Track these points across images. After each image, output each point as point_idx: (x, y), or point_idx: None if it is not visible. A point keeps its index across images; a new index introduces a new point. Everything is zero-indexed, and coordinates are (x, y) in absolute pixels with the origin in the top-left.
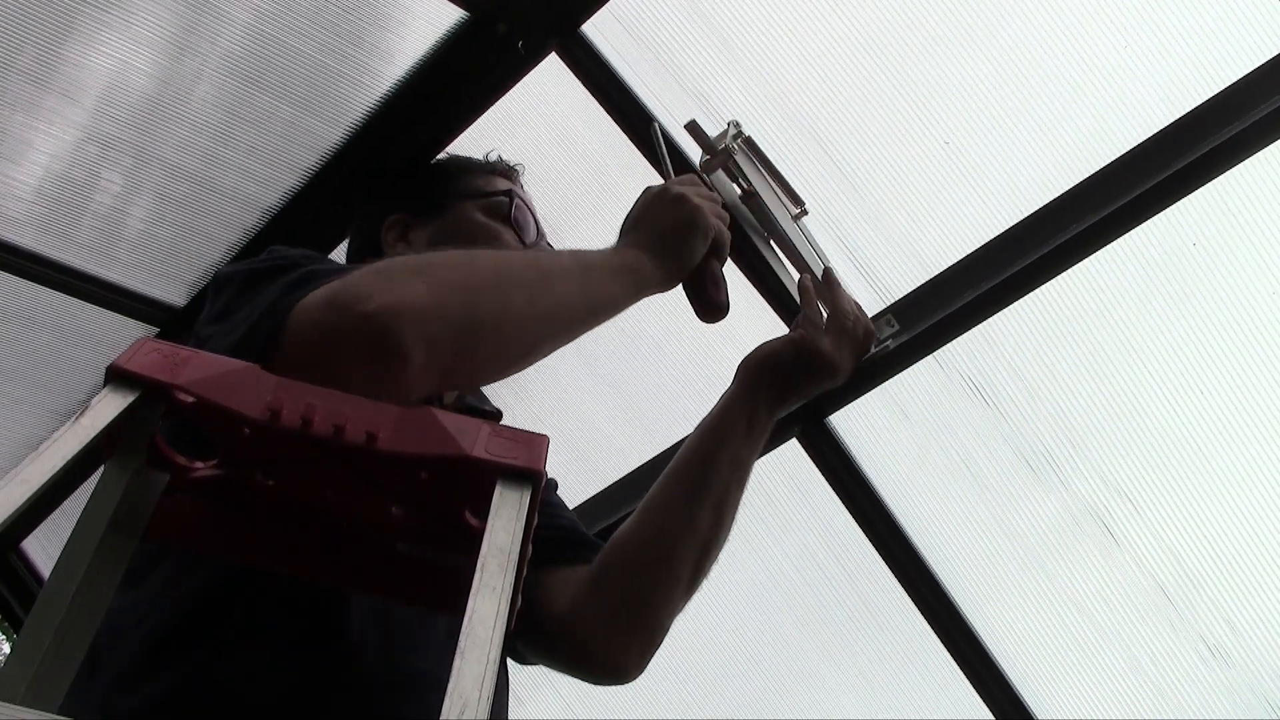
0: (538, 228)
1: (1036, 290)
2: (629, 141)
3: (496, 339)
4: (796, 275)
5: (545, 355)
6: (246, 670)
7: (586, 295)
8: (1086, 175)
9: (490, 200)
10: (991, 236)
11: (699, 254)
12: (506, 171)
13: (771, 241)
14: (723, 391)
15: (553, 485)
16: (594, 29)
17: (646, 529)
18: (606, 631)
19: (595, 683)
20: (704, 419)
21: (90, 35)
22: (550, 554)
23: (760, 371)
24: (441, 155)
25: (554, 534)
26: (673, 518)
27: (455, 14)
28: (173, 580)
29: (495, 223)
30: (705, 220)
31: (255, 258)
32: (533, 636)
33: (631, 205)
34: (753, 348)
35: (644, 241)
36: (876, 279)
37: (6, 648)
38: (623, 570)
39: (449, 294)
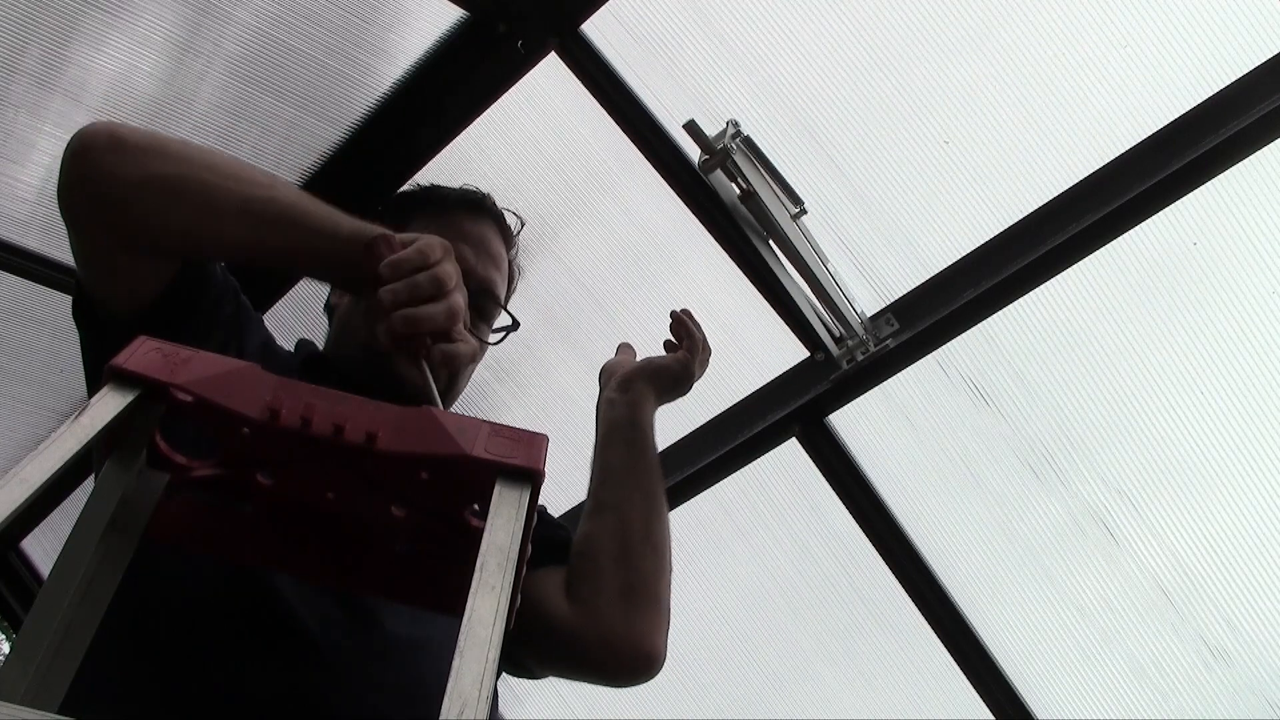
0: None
1: (1036, 290)
2: (628, 140)
3: (177, 166)
4: (796, 275)
5: (239, 226)
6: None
7: (277, 189)
8: (1086, 174)
9: None
10: (991, 236)
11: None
12: (473, 207)
13: (770, 241)
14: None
15: None
16: (593, 28)
17: (621, 524)
18: (627, 616)
19: (623, 682)
20: (621, 421)
21: (94, 37)
22: (557, 555)
23: (655, 381)
24: (409, 186)
25: (554, 535)
26: (637, 506)
27: (455, 13)
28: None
29: None
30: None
31: None
32: (546, 646)
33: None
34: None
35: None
36: (876, 278)
37: (6, 647)
38: (615, 557)
39: (156, 132)
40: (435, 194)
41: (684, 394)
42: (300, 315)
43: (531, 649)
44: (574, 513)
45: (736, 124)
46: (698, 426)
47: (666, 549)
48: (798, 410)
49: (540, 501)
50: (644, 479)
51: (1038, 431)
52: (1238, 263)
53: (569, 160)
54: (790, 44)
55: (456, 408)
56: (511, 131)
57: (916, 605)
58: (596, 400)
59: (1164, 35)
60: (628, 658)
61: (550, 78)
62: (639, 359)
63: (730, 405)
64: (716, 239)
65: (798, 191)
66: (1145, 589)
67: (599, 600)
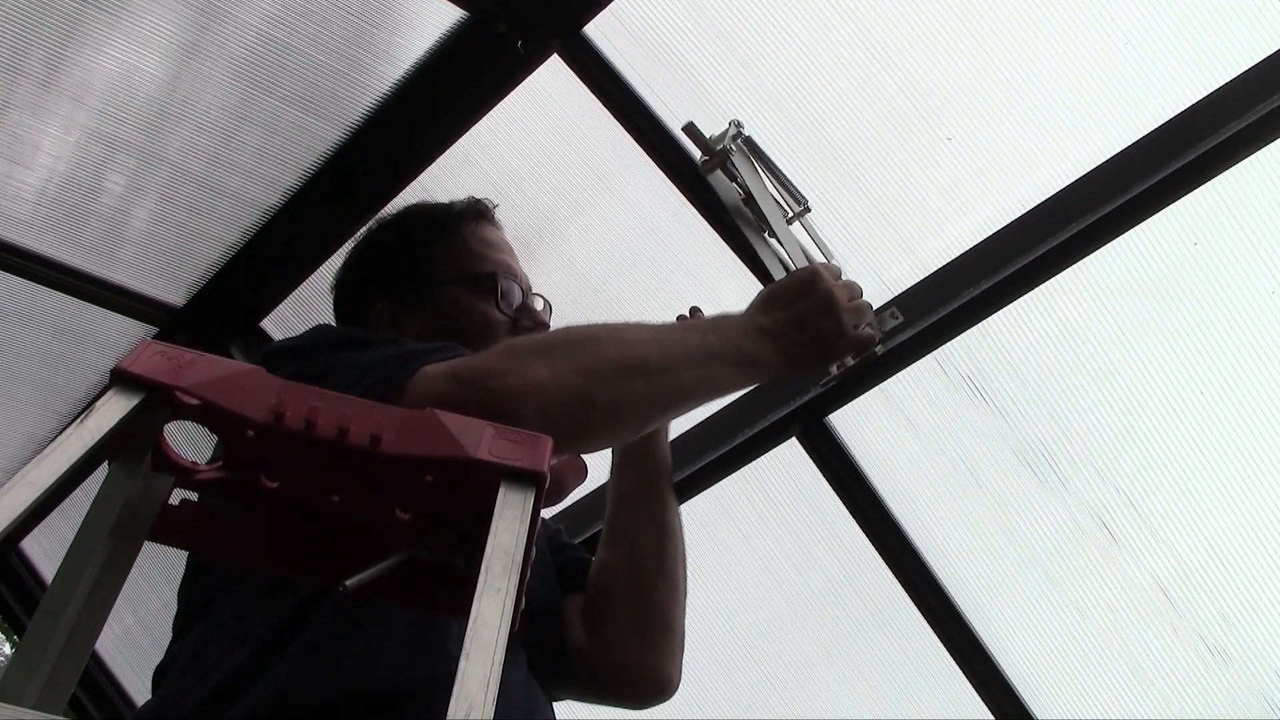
0: (523, 292)
1: (1037, 289)
2: (631, 140)
3: (611, 419)
4: None
5: (658, 428)
6: (327, 680)
7: (705, 383)
8: (1087, 172)
9: (476, 285)
10: (992, 232)
11: (821, 369)
12: (479, 215)
13: (775, 240)
14: None
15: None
16: (596, 30)
17: (635, 555)
18: (640, 645)
19: (638, 708)
20: (636, 451)
21: (97, 38)
22: (576, 582)
23: None
24: (408, 206)
25: (573, 560)
26: (651, 537)
27: (455, 14)
28: (244, 610)
29: (484, 303)
30: (843, 344)
31: (309, 334)
32: (564, 672)
33: (785, 278)
34: None
35: (778, 335)
36: (879, 274)
37: (7, 649)
38: (629, 589)
39: (570, 377)
40: (436, 215)
41: None
42: (303, 315)
43: (549, 672)
44: (573, 512)
45: (739, 124)
46: (697, 425)
47: (681, 577)
48: (797, 410)
49: (557, 523)
50: (658, 510)
51: (1038, 431)
52: (1238, 263)
53: (573, 160)
54: (792, 42)
55: None
56: (515, 132)
57: (916, 605)
58: None
59: (1164, 34)
60: (642, 688)
61: (553, 79)
62: None
63: (729, 404)
64: (721, 237)
65: (800, 190)
66: (1145, 589)
67: (613, 633)
